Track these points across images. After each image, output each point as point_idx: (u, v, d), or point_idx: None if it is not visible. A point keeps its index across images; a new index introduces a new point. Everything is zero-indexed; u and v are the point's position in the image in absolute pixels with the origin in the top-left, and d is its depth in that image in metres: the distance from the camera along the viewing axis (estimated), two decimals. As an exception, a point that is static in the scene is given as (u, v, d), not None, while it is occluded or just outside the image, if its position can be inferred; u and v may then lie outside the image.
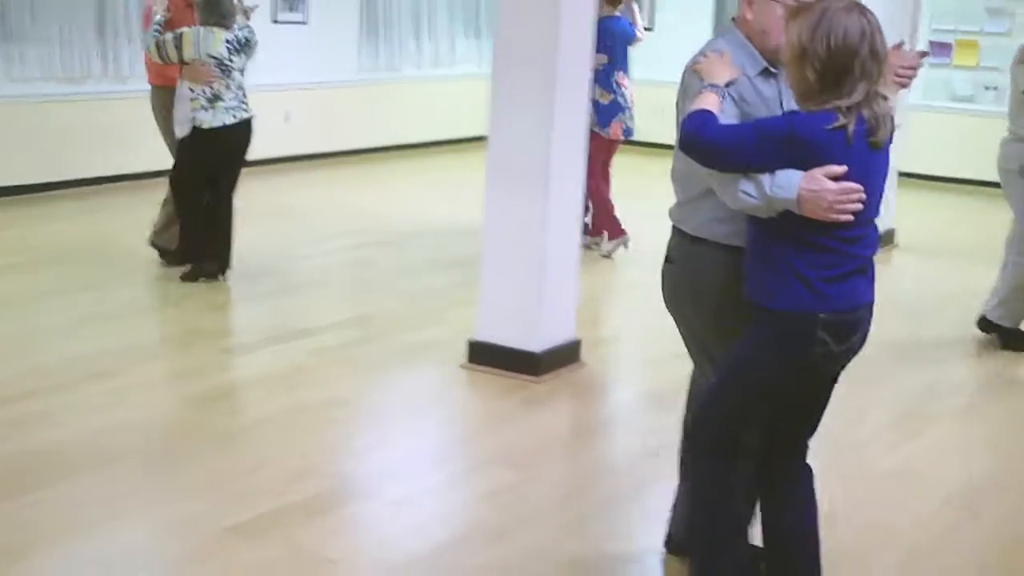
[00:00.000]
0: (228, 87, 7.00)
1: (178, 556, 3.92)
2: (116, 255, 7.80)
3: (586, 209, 8.19)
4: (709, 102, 3.15)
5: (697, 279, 3.47)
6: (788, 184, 3.02)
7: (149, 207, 7.75)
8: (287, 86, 11.19)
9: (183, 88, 7.00)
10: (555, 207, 5.76)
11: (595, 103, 7.97)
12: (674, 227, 3.54)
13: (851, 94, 3.01)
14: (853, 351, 3.24)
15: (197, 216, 7.20)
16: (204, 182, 7.20)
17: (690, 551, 3.54)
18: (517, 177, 5.75)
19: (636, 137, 8.94)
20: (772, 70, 3.35)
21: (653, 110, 9.34)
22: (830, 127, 3.01)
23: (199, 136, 7.00)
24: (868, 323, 3.23)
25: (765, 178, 3.04)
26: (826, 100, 3.03)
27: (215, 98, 6.96)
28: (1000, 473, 4.98)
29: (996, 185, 6.69)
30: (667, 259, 3.59)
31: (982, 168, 8.88)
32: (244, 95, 7.11)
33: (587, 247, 8.08)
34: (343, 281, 7.79)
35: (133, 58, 9.80)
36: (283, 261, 7.95)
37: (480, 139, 6.02)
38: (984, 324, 6.61)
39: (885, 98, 3.11)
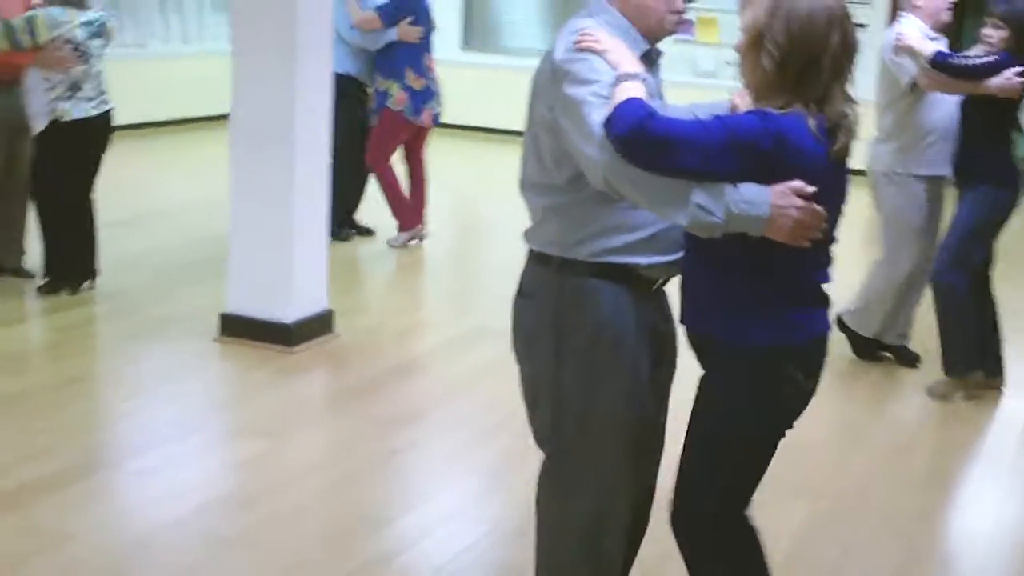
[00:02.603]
0: (87, 75, 6.23)
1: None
2: None
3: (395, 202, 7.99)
4: (636, 93, 2.55)
5: (570, 316, 2.78)
6: (758, 200, 2.49)
7: None
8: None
9: (34, 79, 6.14)
10: (301, 177, 5.73)
11: (408, 89, 7.76)
12: (531, 252, 2.86)
13: (823, 96, 2.57)
14: (815, 390, 2.79)
15: (62, 220, 6.40)
16: (66, 181, 6.40)
17: None
18: (262, 149, 5.69)
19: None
20: (655, 55, 2.86)
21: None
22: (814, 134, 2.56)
23: (60, 130, 6.19)
24: (826, 355, 2.81)
25: (728, 190, 2.49)
26: (787, 100, 2.56)
27: (75, 87, 6.18)
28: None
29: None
30: (520, 292, 2.91)
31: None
32: (103, 84, 6.38)
33: (401, 245, 7.99)
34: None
35: None
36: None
37: (226, 117, 5.93)
38: (840, 325, 6.00)
39: (855, 101, 2.64)
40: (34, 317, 6.08)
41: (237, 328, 5.85)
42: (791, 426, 2.79)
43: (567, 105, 2.63)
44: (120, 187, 9.44)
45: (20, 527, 3.79)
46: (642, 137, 2.48)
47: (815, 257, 2.66)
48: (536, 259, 2.85)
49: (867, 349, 6.02)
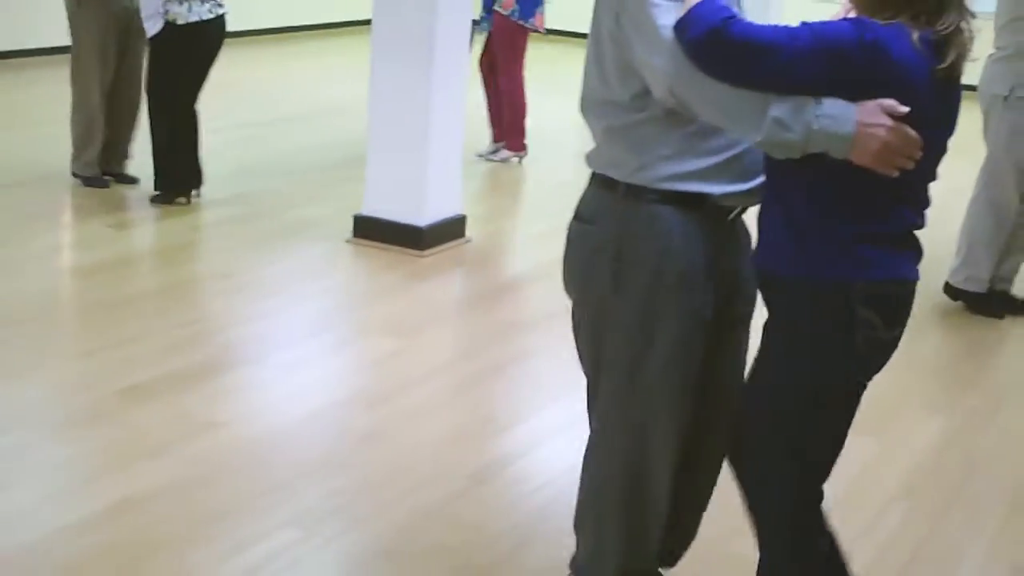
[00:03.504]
0: None
1: (68, 416, 3.94)
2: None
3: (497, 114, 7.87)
4: None
5: (633, 246, 2.50)
6: (843, 116, 2.22)
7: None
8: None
9: None
10: (440, 83, 5.79)
11: None
12: (593, 176, 2.61)
13: (935, 8, 2.25)
14: (896, 343, 2.45)
15: (175, 126, 6.31)
16: (179, 86, 6.29)
17: None
18: (402, 55, 5.76)
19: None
20: None
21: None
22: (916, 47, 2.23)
23: (174, 33, 6.10)
24: (911, 306, 2.45)
25: (811, 104, 2.23)
26: (895, 11, 2.26)
27: None
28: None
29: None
30: (578, 217, 2.64)
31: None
32: None
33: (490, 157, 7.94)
34: (228, 160, 7.73)
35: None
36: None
37: (366, 22, 6.01)
38: (950, 292, 5.51)
39: (973, 15, 2.31)
40: (167, 218, 6.25)
41: (371, 230, 5.97)
42: (867, 381, 2.44)
43: (633, 9, 2.38)
44: (258, 92, 9.66)
45: (167, 414, 3.97)
46: (719, 41, 2.23)
47: (906, 192, 2.33)
48: (599, 183, 2.57)
49: (989, 304, 5.44)
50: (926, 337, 5.15)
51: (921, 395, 4.56)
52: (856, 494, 3.66)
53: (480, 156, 7.85)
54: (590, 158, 2.60)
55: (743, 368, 2.69)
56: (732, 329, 2.65)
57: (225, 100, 9.22)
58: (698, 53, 2.26)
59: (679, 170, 2.44)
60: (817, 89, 2.23)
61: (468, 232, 6.12)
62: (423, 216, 5.89)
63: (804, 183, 2.32)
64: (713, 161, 2.45)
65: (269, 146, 7.96)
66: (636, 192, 2.48)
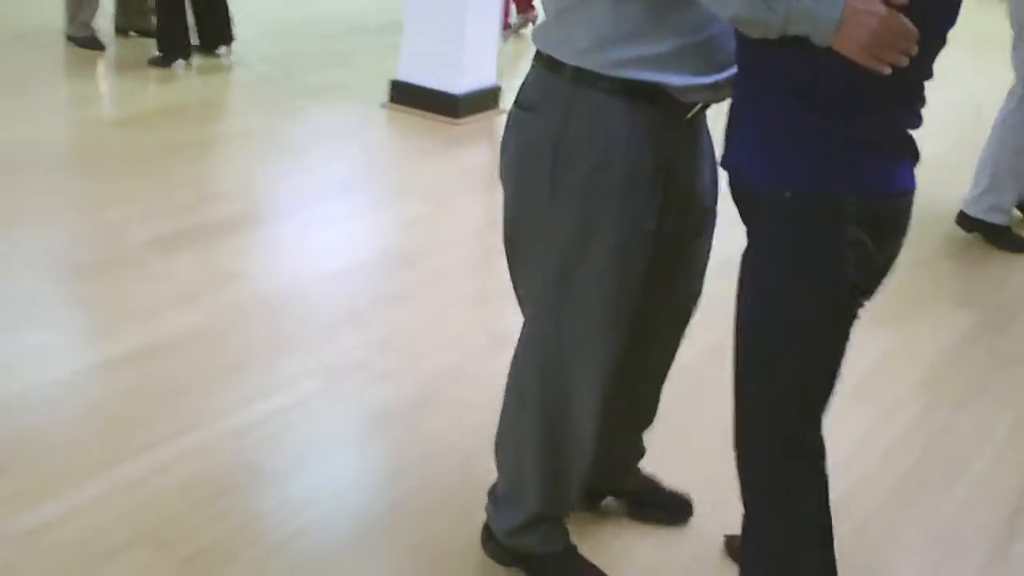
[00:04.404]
0: None
1: (96, 261, 3.97)
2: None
3: None
4: None
5: (574, 137, 2.18)
6: None
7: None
8: None
9: None
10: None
11: None
12: (538, 55, 2.26)
13: None
14: (892, 262, 2.14)
15: None
16: None
17: None
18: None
19: None
20: None
21: None
22: None
23: None
24: (908, 219, 2.12)
25: None
26: None
27: None
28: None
29: None
30: (517, 103, 2.31)
31: None
32: None
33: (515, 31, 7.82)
34: (264, 21, 7.66)
35: None
36: None
37: None
38: (965, 222, 5.00)
39: None
40: (197, 76, 6.22)
41: (406, 96, 5.93)
42: (859, 307, 2.11)
43: None
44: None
45: (196, 262, 4.00)
46: None
47: (900, 89, 1.99)
48: (544, 64, 2.23)
49: (1011, 238, 4.97)
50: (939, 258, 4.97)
51: (950, 289, 4.54)
52: (874, 386, 3.65)
53: (506, 34, 7.75)
54: (536, 34, 2.25)
55: (699, 281, 2.49)
56: (685, 244, 2.38)
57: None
58: None
59: (633, 54, 2.12)
60: None
61: (502, 103, 6.07)
62: (459, 84, 5.84)
63: (782, 76, 1.99)
64: (674, 44, 2.12)
65: (305, 9, 7.88)
66: (583, 77, 2.15)
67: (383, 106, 5.93)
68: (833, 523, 2.25)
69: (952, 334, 4.11)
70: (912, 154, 2.08)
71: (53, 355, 3.35)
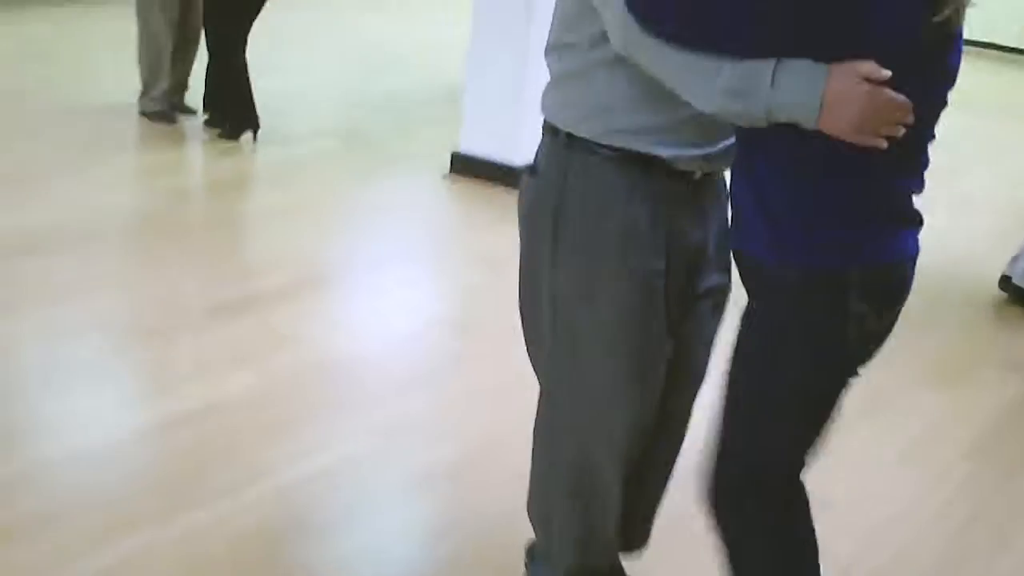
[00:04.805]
0: None
1: (153, 329, 4.10)
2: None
3: None
4: None
5: (572, 203, 2.22)
6: (809, 78, 1.85)
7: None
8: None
9: None
10: (540, 23, 5.82)
11: None
12: (544, 123, 2.30)
13: None
14: (891, 328, 2.11)
15: (236, 60, 6.21)
16: (230, 22, 6.18)
17: None
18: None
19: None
20: None
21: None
22: None
23: None
24: (910, 287, 2.10)
25: (771, 67, 1.86)
26: None
27: None
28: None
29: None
30: (528, 169, 2.37)
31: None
32: None
33: None
34: (328, 94, 7.86)
35: None
36: (270, 76, 7.93)
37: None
38: (1008, 288, 4.83)
39: None
40: (259, 148, 6.38)
41: (467, 167, 6.07)
42: (855, 375, 2.10)
43: None
44: (358, 27, 9.78)
45: (257, 327, 4.12)
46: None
47: (898, 158, 1.92)
48: (546, 130, 2.29)
49: None
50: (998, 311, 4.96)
51: (998, 354, 4.52)
52: (921, 451, 3.66)
53: None
54: (542, 102, 2.30)
55: (710, 345, 2.44)
56: (697, 302, 2.35)
57: (327, 36, 9.40)
58: (633, 7, 1.95)
59: (627, 124, 2.14)
60: (782, 50, 1.86)
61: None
62: (519, 154, 5.95)
63: (777, 149, 1.95)
64: (669, 116, 2.12)
65: (368, 82, 8.08)
66: (578, 144, 2.20)
67: (444, 177, 6.08)
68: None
69: (1000, 400, 4.11)
70: (914, 219, 2.05)
71: (111, 414, 3.48)
